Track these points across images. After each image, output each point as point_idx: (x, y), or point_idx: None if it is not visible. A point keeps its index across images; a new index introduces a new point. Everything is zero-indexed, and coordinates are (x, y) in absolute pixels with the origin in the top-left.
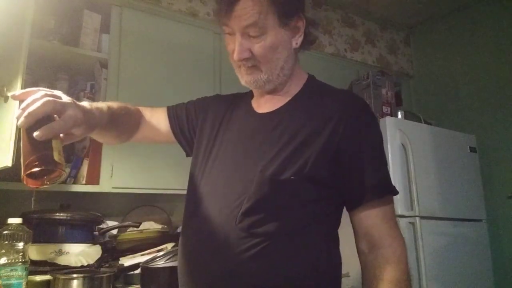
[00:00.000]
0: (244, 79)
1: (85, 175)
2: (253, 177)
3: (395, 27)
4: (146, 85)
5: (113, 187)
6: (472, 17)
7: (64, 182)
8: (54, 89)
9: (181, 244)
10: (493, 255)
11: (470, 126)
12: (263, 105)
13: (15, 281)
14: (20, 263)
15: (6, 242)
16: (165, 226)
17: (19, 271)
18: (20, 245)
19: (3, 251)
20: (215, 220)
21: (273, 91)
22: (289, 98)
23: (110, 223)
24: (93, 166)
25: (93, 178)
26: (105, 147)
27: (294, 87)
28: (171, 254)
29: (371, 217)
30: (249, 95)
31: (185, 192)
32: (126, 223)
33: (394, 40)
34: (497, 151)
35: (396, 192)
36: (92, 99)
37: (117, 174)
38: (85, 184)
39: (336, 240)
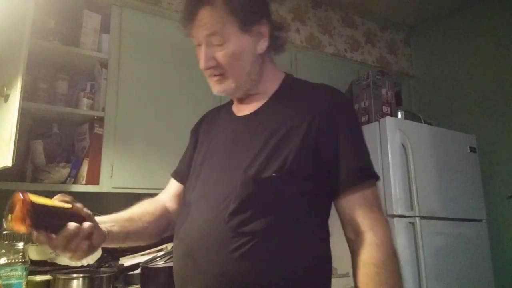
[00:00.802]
0: (215, 89)
1: (85, 175)
2: (238, 178)
3: (395, 27)
4: (146, 85)
5: (113, 187)
6: (472, 17)
7: (64, 182)
8: (54, 89)
9: (175, 248)
10: (493, 255)
11: (470, 126)
12: (243, 108)
13: (15, 281)
14: (20, 263)
15: (6, 242)
16: None
17: (19, 271)
18: (20, 245)
19: (3, 251)
20: (205, 223)
21: (247, 95)
22: (266, 99)
23: None
24: (93, 166)
25: (93, 178)
26: (105, 147)
27: (270, 88)
28: (171, 254)
29: (352, 203)
30: (231, 102)
31: None
32: None
33: (394, 40)
34: (497, 151)
35: (377, 177)
36: (92, 99)
37: (117, 174)
38: (85, 184)
39: (324, 233)
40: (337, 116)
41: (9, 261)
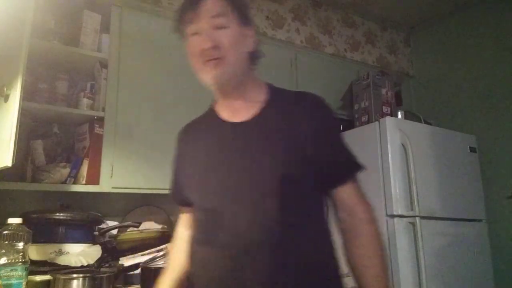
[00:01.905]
0: (211, 74)
1: (85, 175)
2: (269, 177)
3: (395, 27)
4: (146, 85)
5: (113, 187)
6: (472, 17)
7: (64, 182)
8: (54, 89)
9: (210, 257)
10: (493, 255)
11: (470, 126)
12: (236, 115)
13: (15, 281)
14: (20, 263)
15: (6, 242)
16: (165, 226)
17: (19, 271)
18: (20, 245)
19: (3, 251)
20: (253, 224)
21: (234, 96)
22: (259, 105)
23: (110, 223)
24: (93, 166)
25: (93, 178)
26: (105, 147)
27: (258, 95)
28: None
29: (346, 191)
30: (209, 111)
31: None
32: (126, 223)
33: (394, 40)
34: (497, 151)
35: (363, 167)
36: (92, 99)
37: (117, 174)
38: (85, 184)
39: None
40: (326, 122)
41: (9, 261)
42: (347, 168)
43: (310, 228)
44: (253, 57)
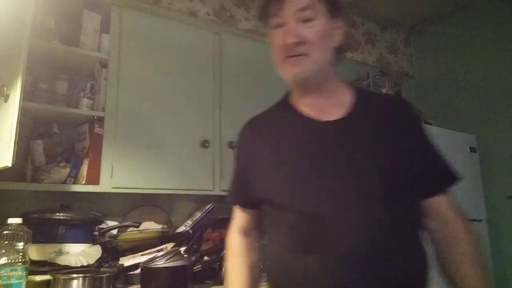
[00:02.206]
0: (292, 71)
1: (85, 175)
2: (378, 181)
3: (395, 27)
4: (146, 85)
5: (113, 187)
6: (472, 17)
7: (64, 182)
8: (54, 89)
9: (316, 267)
10: (493, 255)
11: (470, 126)
12: (323, 113)
13: (15, 281)
14: (20, 263)
15: (6, 242)
16: (165, 226)
17: (19, 271)
18: (20, 245)
19: (3, 251)
20: (370, 230)
21: (316, 94)
22: (347, 105)
23: (110, 223)
24: (93, 166)
25: (93, 178)
26: (105, 147)
27: (342, 94)
28: (171, 254)
29: (442, 200)
30: (285, 106)
31: (184, 192)
32: (126, 223)
33: (394, 40)
34: (497, 151)
35: (460, 177)
36: (92, 99)
37: (117, 174)
38: (85, 184)
39: None
40: (423, 130)
41: (9, 261)
42: (446, 178)
43: (413, 238)
44: (340, 51)
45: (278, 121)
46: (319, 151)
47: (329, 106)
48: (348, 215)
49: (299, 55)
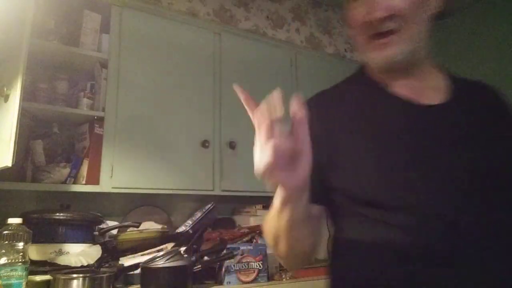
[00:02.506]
0: (382, 54)
1: (85, 175)
2: (491, 184)
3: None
4: (146, 85)
5: (113, 187)
6: (472, 17)
7: (64, 182)
8: (54, 89)
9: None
10: None
11: None
12: (420, 95)
13: (15, 281)
14: (20, 263)
15: (6, 242)
16: (165, 226)
17: (19, 271)
18: (20, 245)
19: (3, 251)
20: (479, 245)
21: (408, 72)
22: (444, 89)
23: (110, 223)
24: (93, 166)
25: (93, 178)
26: (105, 147)
27: (436, 75)
28: (171, 254)
29: None
30: (367, 82)
31: (184, 192)
32: (126, 223)
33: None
34: None
35: None
36: (92, 99)
37: (117, 174)
38: (85, 184)
39: None
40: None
41: (9, 261)
42: None
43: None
44: (439, 18)
45: (363, 99)
46: (428, 139)
47: (425, 89)
48: (470, 218)
49: (389, 32)
